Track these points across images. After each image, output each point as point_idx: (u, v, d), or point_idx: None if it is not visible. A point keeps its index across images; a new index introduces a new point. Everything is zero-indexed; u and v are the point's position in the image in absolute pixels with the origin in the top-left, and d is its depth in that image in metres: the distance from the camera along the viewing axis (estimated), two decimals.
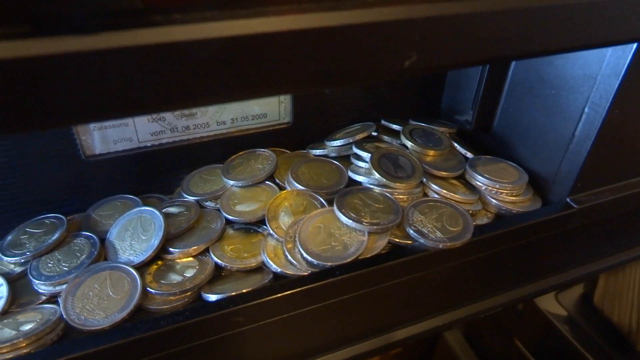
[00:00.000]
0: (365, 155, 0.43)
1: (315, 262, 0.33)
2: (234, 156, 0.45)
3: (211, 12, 0.18)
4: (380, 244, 0.35)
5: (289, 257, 0.34)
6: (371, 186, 0.40)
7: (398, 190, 0.39)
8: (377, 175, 0.39)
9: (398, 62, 0.22)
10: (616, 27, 0.27)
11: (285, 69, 0.20)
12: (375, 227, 0.35)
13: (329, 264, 0.33)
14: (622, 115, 0.35)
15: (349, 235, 0.35)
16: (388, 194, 0.39)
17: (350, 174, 0.42)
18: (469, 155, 0.45)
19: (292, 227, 0.36)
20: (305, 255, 0.33)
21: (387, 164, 0.40)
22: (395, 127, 0.48)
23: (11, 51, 0.15)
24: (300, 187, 0.40)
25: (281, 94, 0.43)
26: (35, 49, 0.15)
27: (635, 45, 0.32)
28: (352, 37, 0.20)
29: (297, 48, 0.19)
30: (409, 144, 0.44)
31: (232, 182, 0.41)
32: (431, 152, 0.44)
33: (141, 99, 0.18)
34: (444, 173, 0.42)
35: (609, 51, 0.34)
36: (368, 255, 0.34)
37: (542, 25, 0.24)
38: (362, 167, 0.43)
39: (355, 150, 0.44)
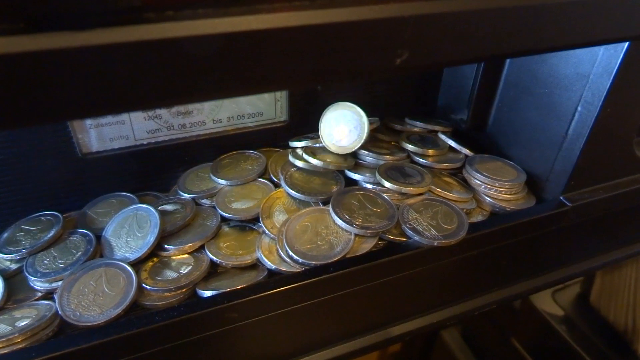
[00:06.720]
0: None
1: (300, 260, 0.33)
2: (223, 155, 0.45)
3: (205, 10, 0.18)
4: (366, 246, 0.35)
5: (282, 255, 0.34)
6: (369, 186, 0.40)
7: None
8: (387, 184, 0.39)
9: (390, 59, 0.22)
10: (608, 26, 0.27)
11: (278, 66, 0.20)
12: (365, 230, 0.35)
13: (314, 262, 0.33)
14: (614, 113, 0.36)
15: (335, 234, 0.35)
16: (387, 197, 0.39)
17: (346, 171, 0.42)
18: (465, 151, 0.45)
19: (284, 225, 0.36)
20: (290, 253, 0.34)
21: (396, 174, 0.40)
22: (396, 126, 0.49)
23: (6, 47, 0.15)
24: (292, 192, 0.39)
25: (275, 90, 0.43)
26: (30, 45, 0.16)
27: (626, 44, 0.32)
28: (344, 34, 0.20)
29: (290, 45, 0.20)
30: (409, 147, 0.44)
31: (220, 181, 0.41)
32: (430, 152, 0.44)
33: (136, 95, 0.18)
34: (445, 165, 0.43)
35: (601, 50, 0.34)
36: (353, 255, 0.34)
37: (535, 24, 0.24)
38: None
39: None
